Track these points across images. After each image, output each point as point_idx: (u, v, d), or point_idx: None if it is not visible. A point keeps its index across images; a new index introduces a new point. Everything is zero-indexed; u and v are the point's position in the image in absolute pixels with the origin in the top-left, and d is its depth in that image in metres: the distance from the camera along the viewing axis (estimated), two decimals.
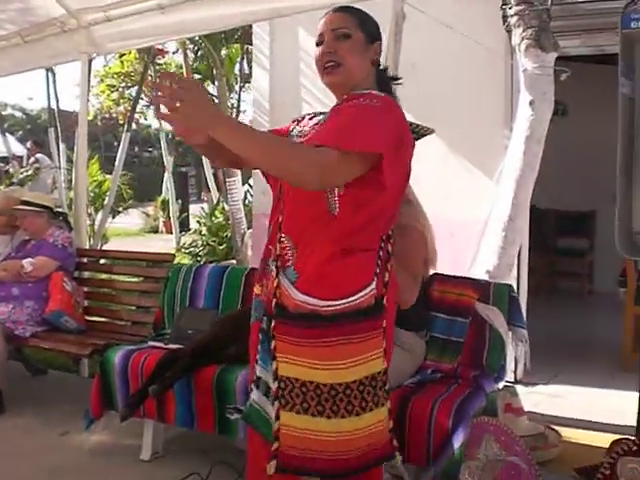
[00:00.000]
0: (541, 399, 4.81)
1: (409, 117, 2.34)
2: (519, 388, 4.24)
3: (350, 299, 2.17)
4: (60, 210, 5.51)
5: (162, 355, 3.69)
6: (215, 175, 14.39)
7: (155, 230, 17.82)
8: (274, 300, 2.23)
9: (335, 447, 2.16)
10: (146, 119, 20.92)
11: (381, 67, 2.46)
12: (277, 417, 2.18)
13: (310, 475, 2.21)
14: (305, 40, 6.05)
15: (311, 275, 2.18)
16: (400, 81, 2.51)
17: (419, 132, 3.03)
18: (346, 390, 2.14)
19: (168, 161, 14.89)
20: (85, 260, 5.39)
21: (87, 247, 5.88)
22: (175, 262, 5.22)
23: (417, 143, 2.41)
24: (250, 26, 7.09)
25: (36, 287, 4.90)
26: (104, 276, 5.83)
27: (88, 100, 7.12)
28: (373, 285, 2.21)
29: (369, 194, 2.18)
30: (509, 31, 4.54)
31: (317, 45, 2.35)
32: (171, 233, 14.97)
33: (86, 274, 5.49)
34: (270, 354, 2.23)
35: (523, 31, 4.21)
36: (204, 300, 4.31)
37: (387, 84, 2.44)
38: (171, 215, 14.66)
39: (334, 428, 2.15)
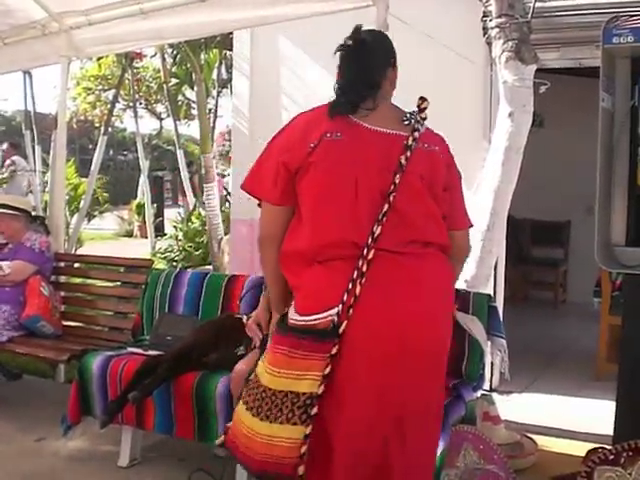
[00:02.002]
0: (516, 407, 4.85)
1: None
2: (494, 396, 4.28)
3: (309, 318, 2.36)
4: (38, 214, 5.47)
5: (142, 361, 3.68)
6: (191, 180, 14.37)
7: (130, 234, 17.73)
8: None
9: (247, 442, 2.36)
10: (122, 122, 20.82)
11: None
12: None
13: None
14: (286, 47, 6.07)
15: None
16: None
17: None
18: (272, 396, 2.30)
19: (144, 165, 14.81)
20: (62, 264, 5.35)
21: (63, 251, 5.81)
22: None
23: None
24: (230, 32, 7.09)
25: (13, 291, 4.85)
26: (80, 281, 5.78)
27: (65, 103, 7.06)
28: (335, 310, 2.30)
29: None
30: (489, 43, 4.57)
31: None
32: (146, 237, 14.88)
33: (62, 278, 5.44)
34: None
35: (504, 43, 4.25)
36: (183, 306, 4.31)
37: None
38: (147, 219, 14.60)
39: (252, 425, 2.33)
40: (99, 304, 5.32)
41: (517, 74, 4.19)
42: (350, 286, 2.27)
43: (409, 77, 5.16)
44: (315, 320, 2.28)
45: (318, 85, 5.72)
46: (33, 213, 5.32)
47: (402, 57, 4.93)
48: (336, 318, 2.26)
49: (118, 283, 5.15)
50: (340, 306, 2.26)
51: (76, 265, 5.67)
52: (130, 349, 4.07)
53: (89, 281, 5.77)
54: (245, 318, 3.55)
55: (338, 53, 2.58)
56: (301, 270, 2.39)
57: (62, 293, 5.23)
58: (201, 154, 10.07)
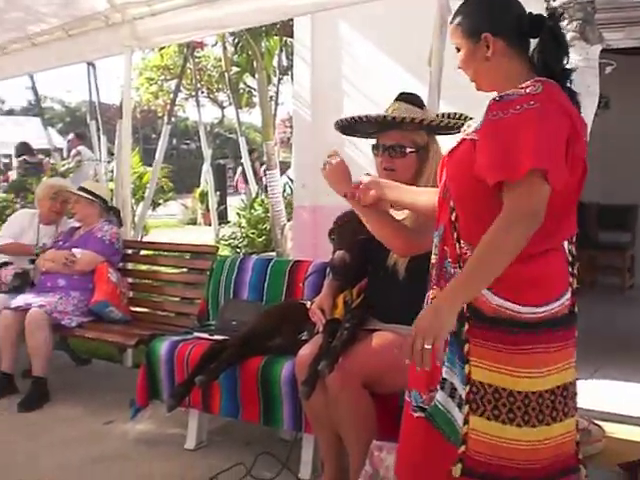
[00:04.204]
0: (583, 394, 4.77)
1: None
2: None
3: (551, 306, 2.13)
4: (113, 205, 5.56)
5: (208, 346, 3.72)
6: (253, 167, 14.45)
7: (193, 222, 17.93)
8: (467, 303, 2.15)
9: (524, 456, 2.12)
10: (184, 112, 21.08)
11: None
12: (466, 421, 2.15)
13: None
14: (346, 32, 6.05)
15: (509, 279, 2.07)
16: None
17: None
18: (539, 399, 2.12)
19: (206, 153, 14.95)
20: (129, 252, 5.45)
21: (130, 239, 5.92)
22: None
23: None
24: (291, 19, 7.10)
25: (82, 278, 4.98)
26: (147, 267, 5.88)
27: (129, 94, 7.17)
28: (568, 294, 2.19)
29: None
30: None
31: None
32: (210, 225, 15.03)
33: (130, 265, 5.55)
34: (460, 357, 2.19)
35: (567, 24, 4.17)
36: (248, 292, 4.35)
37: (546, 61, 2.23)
38: (210, 207, 14.73)
39: (524, 437, 2.12)
40: (166, 290, 5.43)
41: (581, 55, 4.10)
42: (570, 269, 2.22)
43: None
44: (556, 307, 2.15)
45: (378, 69, 5.72)
46: (110, 203, 5.41)
47: None
48: (570, 300, 2.19)
49: (184, 269, 5.21)
50: (569, 289, 2.20)
51: (143, 252, 5.78)
52: (196, 334, 4.13)
53: (155, 268, 5.86)
54: (309, 303, 3.57)
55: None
56: (536, 258, 2.15)
57: (130, 279, 5.33)
58: (263, 141, 10.13)
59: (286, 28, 10.00)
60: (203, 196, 17.04)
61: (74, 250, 5.02)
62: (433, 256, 2.34)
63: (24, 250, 5.36)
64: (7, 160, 21.54)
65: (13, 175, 14.43)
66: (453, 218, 2.24)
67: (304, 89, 6.55)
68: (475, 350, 2.14)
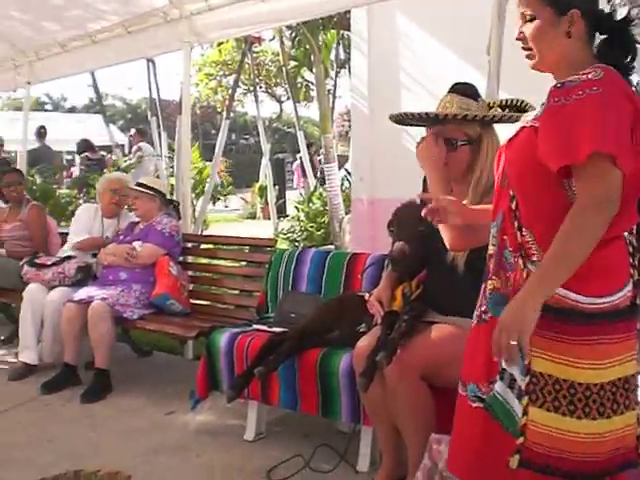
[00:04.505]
0: None
1: None
2: None
3: (612, 297, 2.09)
4: (172, 198, 5.62)
5: (267, 338, 3.75)
6: (312, 161, 14.45)
7: (253, 216, 18.02)
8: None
9: (584, 448, 2.10)
10: (243, 107, 21.21)
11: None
12: (525, 412, 2.13)
13: (555, 475, 2.13)
14: (404, 23, 6.00)
15: None
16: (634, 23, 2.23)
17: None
18: (600, 391, 2.08)
19: (265, 148, 15.01)
20: (189, 245, 5.51)
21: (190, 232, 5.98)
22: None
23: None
24: (347, 11, 7.08)
25: (143, 271, 5.04)
26: (207, 261, 5.93)
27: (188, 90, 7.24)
28: (630, 285, 2.14)
29: None
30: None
31: None
32: (269, 219, 15.07)
33: (189, 259, 5.61)
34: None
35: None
36: (307, 284, 4.36)
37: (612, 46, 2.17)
38: (269, 201, 14.78)
39: (584, 429, 2.09)
40: (225, 283, 5.46)
41: None
42: (631, 260, 2.17)
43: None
44: (618, 299, 2.11)
45: (436, 61, 5.65)
46: (168, 196, 5.47)
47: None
48: (632, 292, 2.15)
49: (243, 262, 5.23)
50: (631, 280, 2.16)
51: (202, 246, 5.83)
52: (256, 326, 4.15)
53: (214, 261, 5.90)
54: (367, 295, 3.57)
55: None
56: (597, 248, 2.06)
57: (189, 272, 5.38)
58: (321, 135, 10.12)
59: (343, 21, 9.99)
60: (262, 190, 17.09)
61: (135, 243, 5.08)
62: (491, 247, 2.31)
63: (99, 243, 5.45)
64: (70, 157, 21.90)
65: (76, 171, 14.73)
66: (513, 206, 2.20)
67: (361, 82, 6.52)
68: (536, 340, 2.09)
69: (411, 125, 3.28)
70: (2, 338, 6.11)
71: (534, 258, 2.14)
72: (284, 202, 16.34)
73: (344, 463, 3.57)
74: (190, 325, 4.67)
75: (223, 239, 5.85)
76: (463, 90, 3.07)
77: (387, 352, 2.97)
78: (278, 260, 4.54)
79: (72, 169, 16.87)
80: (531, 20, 2.18)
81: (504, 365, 2.19)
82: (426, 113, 3.00)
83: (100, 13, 6.01)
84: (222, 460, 3.77)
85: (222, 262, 5.68)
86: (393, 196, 5.54)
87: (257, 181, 18.23)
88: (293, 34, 11.39)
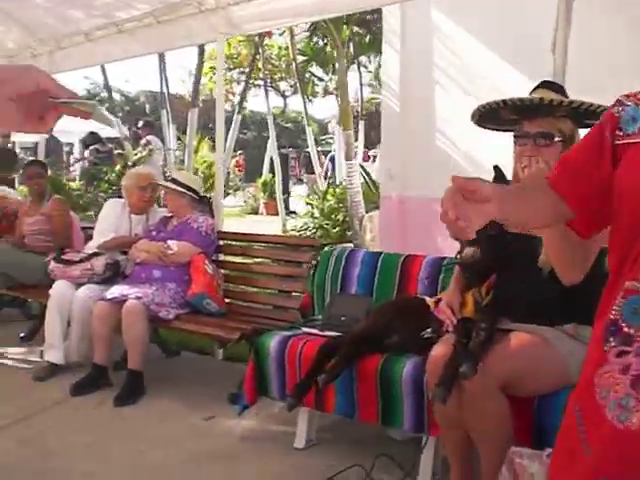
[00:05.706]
0: None
1: None
2: None
3: None
4: (205, 195, 5.46)
5: (323, 343, 3.60)
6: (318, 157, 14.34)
7: (255, 212, 17.85)
8: None
9: None
10: (246, 101, 21.07)
11: None
12: None
13: None
14: (438, 19, 5.85)
15: None
16: None
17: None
18: None
19: (273, 143, 14.85)
20: (222, 243, 5.35)
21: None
22: None
23: None
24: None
25: (178, 270, 4.89)
26: (239, 259, 5.77)
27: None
28: None
29: None
30: None
31: None
32: (271, 215, 14.93)
33: (222, 256, 5.44)
34: None
35: None
36: (357, 286, 4.21)
37: None
38: (277, 197, 14.63)
39: None
40: (260, 282, 5.30)
41: None
42: None
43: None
44: None
45: (471, 58, 5.52)
46: (201, 193, 5.30)
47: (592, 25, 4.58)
48: None
49: (281, 262, 5.07)
50: None
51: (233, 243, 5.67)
52: (305, 329, 4.00)
53: (249, 260, 5.74)
54: (427, 299, 3.43)
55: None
56: None
57: (222, 271, 5.21)
58: (344, 130, 9.93)
59: (356, 18, 9.88)
60: (265, 186, 16.96)
61: (169, 242, 4.93)
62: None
63: (128, 242, 5.25)
64: (67, 149, 21.65)
65: (77, 165, 14.60)
66: None
67: (392, 79, 6.38)
68: None
69: (488, 126, 3.15)
70: (22, 335, 5.93)
71: None
72: (288, 197, 16.20)
73: (405, 472, 3.43)
74: (229, 326, 4.52)
75: (261, 237, 5.70)
76: (554, 87, 2.96)
77: (471, 363, 2.83)
78: (325, 260, 4.38)
79: (72, 161, 16.66)
80: None
81: None
82: (529, 99, 2.87)
83: (130, 1, 5.82)
84: (273, 469, 3.63)
85: (258, 261, 5.53)
86: (425, 194, 5.44)
87: (260, 176, 18.07)
88: (312, 27, 11.25)
